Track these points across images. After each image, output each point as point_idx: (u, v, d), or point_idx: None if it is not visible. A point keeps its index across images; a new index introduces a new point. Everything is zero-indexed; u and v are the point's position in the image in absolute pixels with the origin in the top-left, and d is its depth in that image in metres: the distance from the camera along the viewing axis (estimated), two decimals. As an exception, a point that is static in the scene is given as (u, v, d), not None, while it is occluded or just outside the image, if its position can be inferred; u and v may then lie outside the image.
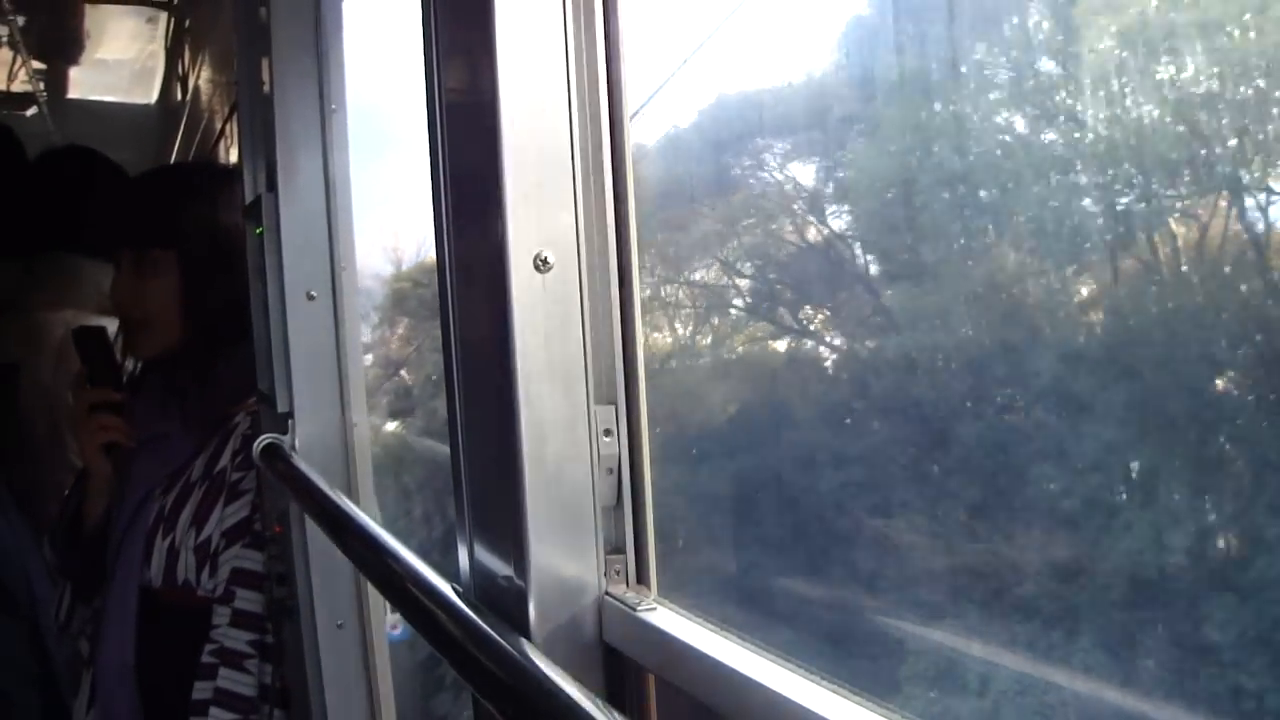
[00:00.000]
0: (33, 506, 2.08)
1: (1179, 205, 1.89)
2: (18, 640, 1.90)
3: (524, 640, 0.77)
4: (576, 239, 0.83)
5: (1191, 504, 1.86)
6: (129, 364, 1.90)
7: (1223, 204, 1.83)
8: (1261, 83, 1.61)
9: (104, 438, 1.73)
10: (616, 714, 0.61)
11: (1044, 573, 1.99)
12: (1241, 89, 1.65)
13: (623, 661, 0.84)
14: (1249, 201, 1.79)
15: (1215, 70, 1.63)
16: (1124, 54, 1.77)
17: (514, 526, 0.82)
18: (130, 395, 1.79)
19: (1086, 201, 1.95)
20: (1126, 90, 1.76)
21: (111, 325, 1.84)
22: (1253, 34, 1.62)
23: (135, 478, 1.72)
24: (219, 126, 3.82)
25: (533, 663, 0.70)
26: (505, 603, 0.84)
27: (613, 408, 0.86)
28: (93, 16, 3.71)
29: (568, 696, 0.64)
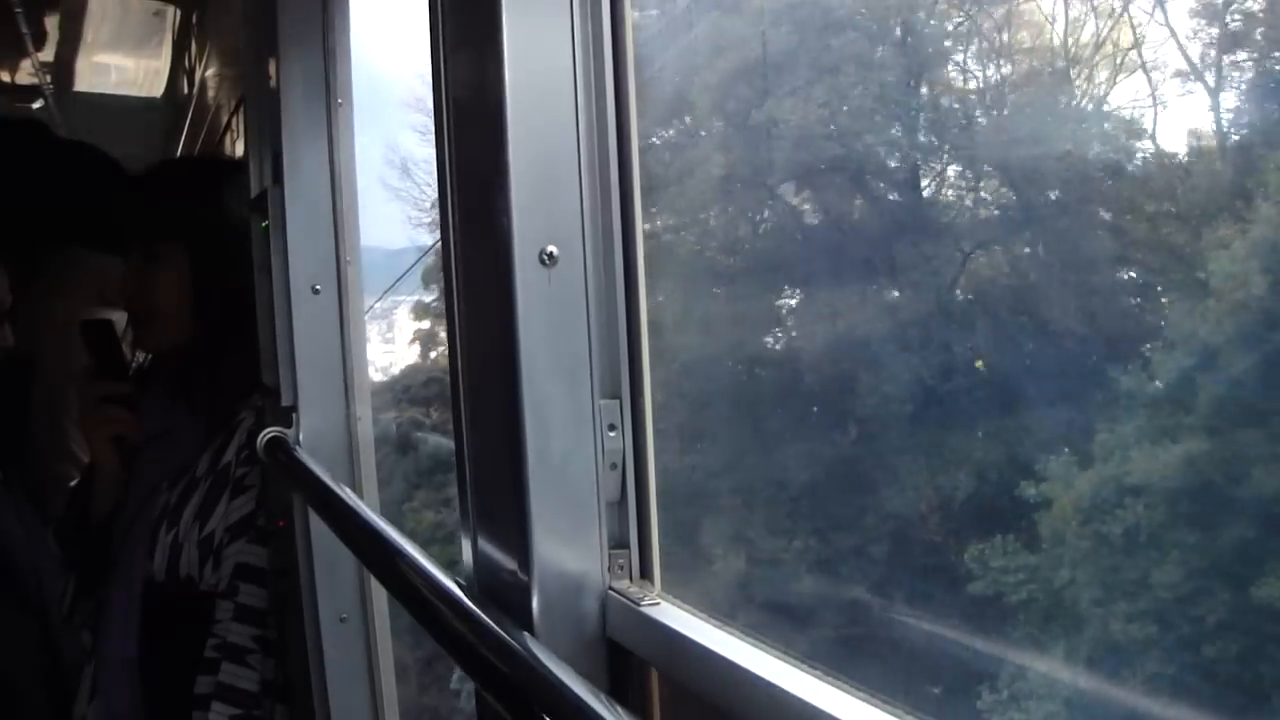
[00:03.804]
0: (37, 499, 2.08)
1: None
2: (28, 637, 1.90)
3: (527, 634, 0.77)
4: (582, 234, 0.83)
5: None
6: (137, 358, 1.91)
7: None
8: None
9: (113, 430, 1.73)
10: (619, 708, 0.62)
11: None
12: None
13: (626, 656, 0.84)
14: None
15: None
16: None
17: (518, 521, 0.82)
18: (137, 389, 1.79)
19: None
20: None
21: (117, 320, 1.84)
22: None
23: (142, 471, 1.72)
24: (225, 120, 3.82)
25: (536, 657, 0.70)
26: (509, 597, 0.84)
27: (617, 402, 0.86)
28: (99, 10, 3.71)
29: (571, 691, 0.64)
